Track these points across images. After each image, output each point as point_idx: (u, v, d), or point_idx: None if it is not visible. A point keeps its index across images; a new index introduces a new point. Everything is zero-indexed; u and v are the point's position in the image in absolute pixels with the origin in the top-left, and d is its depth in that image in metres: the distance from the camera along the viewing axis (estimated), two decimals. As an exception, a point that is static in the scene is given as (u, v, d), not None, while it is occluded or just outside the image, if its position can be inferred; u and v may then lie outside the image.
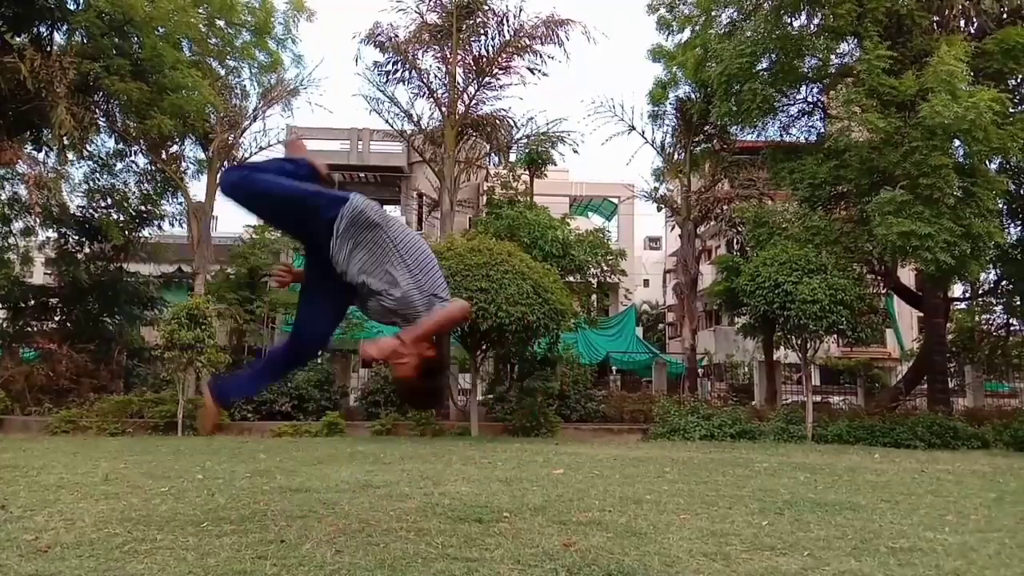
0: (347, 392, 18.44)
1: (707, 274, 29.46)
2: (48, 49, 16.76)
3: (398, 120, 20.00)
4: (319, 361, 21.72)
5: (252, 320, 19.91)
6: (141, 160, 20.25)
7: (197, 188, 21.25)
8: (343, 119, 56.57)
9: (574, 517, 4.49)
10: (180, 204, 20.63)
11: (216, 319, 15.08)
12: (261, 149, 19.91)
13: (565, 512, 4.71)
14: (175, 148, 19.59)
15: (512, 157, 22.08)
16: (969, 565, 3.37)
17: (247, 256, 20.66)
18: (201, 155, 19.95)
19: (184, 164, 20.06)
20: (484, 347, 15.29)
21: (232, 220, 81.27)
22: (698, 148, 21.54)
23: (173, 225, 21.46)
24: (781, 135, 18.56)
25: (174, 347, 14.11)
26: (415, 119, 19.86)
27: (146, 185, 20.50)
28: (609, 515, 4.63)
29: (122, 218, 19.85)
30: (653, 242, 47.94)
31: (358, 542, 3.68)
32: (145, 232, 20.89)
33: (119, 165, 20.26)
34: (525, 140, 21.15)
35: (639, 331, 31.33)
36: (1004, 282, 18.35)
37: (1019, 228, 17.38)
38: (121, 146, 19.84)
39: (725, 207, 22.78)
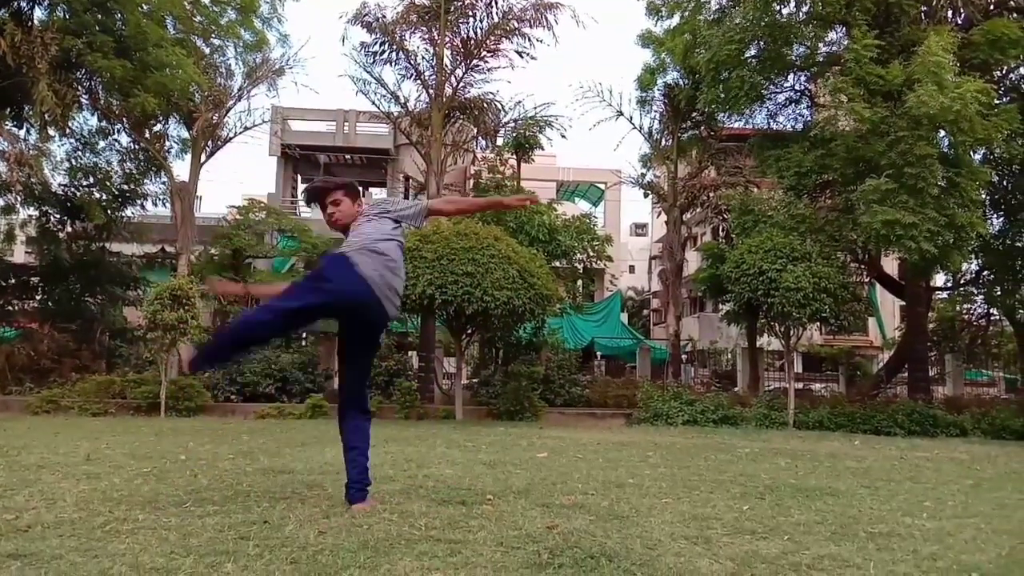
0: (331, 375, 18.40)
1: (692, 261, 29.57)
2: (29, 24, 16.51)
3: (385, 102, 19.85)
4: (304, 344, 21.70)
5: (236, 301, 19.81)
6: (124, 139, 20.09)
7: (181, 167, 21.09)
8: (329, 100, 56.27)
9: (557, 500, 4.51)
10: (163, 184, 20.46)
11: (200, 300, 14.98)
12: (245, 129, 19.75)
13: (548, 495, 4.73)
14: (159, 127, 19.40)
15: (499, 141, 22.00)
16: (946, 550, 3.42)
17: (231, 237, 20.57)
18: (185, 134, 19.76)
19: (168, 143, 19.88)
20: (469, 331, 15.30)
21: (216, 200, 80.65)
22: (685, 135, 21.54)
23: (156, 205, 21.34)
24: (768, 123, 18.61)
25: (157, 327, 14.02)
26: (402, 101, 19.72)
27: (129, 164, 20.31)
28: (592, 498, 4.65)
29: (105, 197, 19.66)
30: (639, 228, 48.06)
31: (341, 524, 3.68)
32: (128, 211, 20.72)
33: (102, 143, 20.09)
34: (513, 124, 21.07)
35: (624, 317, 31.46)
36: (985, 272, 18.53)
37: (1001, 219, 17.53)
38: (104, 124, 19.62)
39: (711, 194, 22.84)
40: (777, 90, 17.64)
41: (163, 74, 16.63)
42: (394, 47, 19.03)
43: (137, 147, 19.92)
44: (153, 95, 16.38)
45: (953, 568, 3.06)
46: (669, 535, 3.59)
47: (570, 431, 11.73)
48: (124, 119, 18.55)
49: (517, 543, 3.30)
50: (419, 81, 19.22)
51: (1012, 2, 15.73)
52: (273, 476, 5.45)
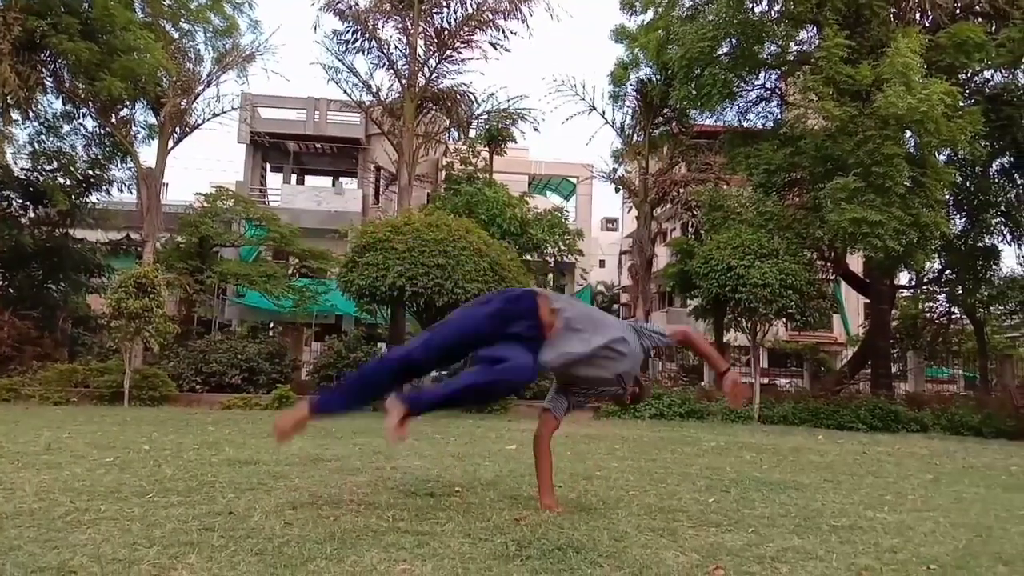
0: (299, 366, 18.26)
1: (662, 256, 29.75)
2: (-9, 3, 16.10)
3: (357, 91, 19.72)
4: (271, 334, 21.51)
5: (202, 290, 19.59)
6: (89, 123, 19.71)
7: (147, 153, 20.75)
8: (300, 88, 55.57)
9: (525, 492, 4.52)
10: (130, 169, 20.11)
11: (165, 288, 14.76)
12: (214, 115, 19.47)
13: (517, 487, 4.74)
14: (125, 112, 19.04)
15: (472, 133, 21.95)
16: (906, 542, 3.48)
17: (198, 225, 20.28)
18: (152, 120, 19.42)
19: (135, 128, 19.52)
20: (439, 323, 15.26)
21: (184, 188, 79.43)
22: (657, 131, 21.65)
23: (122, 191, 20.96)
24: (739, 120, 18.74)
25: (121, 316, 13.77)
26: (374, 90, 19.60)
27: (94, 149, 19.93)
28: (560, 491, 4.66)
29: (68, 182, 19.28)
30: (610, 223, 48.24)
31: (308, 515, 3.65)
32: (93, 197, 20.36)
33: (66, 127, 19.68)
34: (485, 116, 21.05)
35: (594, 311, 31.53)
36: (948, 271, 18.86)
37: (964, 219, 17.86)
38: (69, 108, 19.21)
39: (681, 190, 23.00)
40: (748, 88, 17.77)
41: (130, 58, 16.32)
42: (367, 36, 18.88)
43: (103, 132, 19.54)
44: (120, 79, 16.08)
45: (912, 560, 3.12)
46: (635, 527, 3.61)
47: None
48: (90, 103, 18.19)
49: (485, 535, 3.30)
50: (392, 71, 19.12)
51: (977, 7, 15.99)
52: (239, 467, 5.39)
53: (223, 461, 5.71)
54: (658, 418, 14.01)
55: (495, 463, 6.08)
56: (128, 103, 18.44)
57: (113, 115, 18.64)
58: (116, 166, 20.24)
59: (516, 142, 23.64)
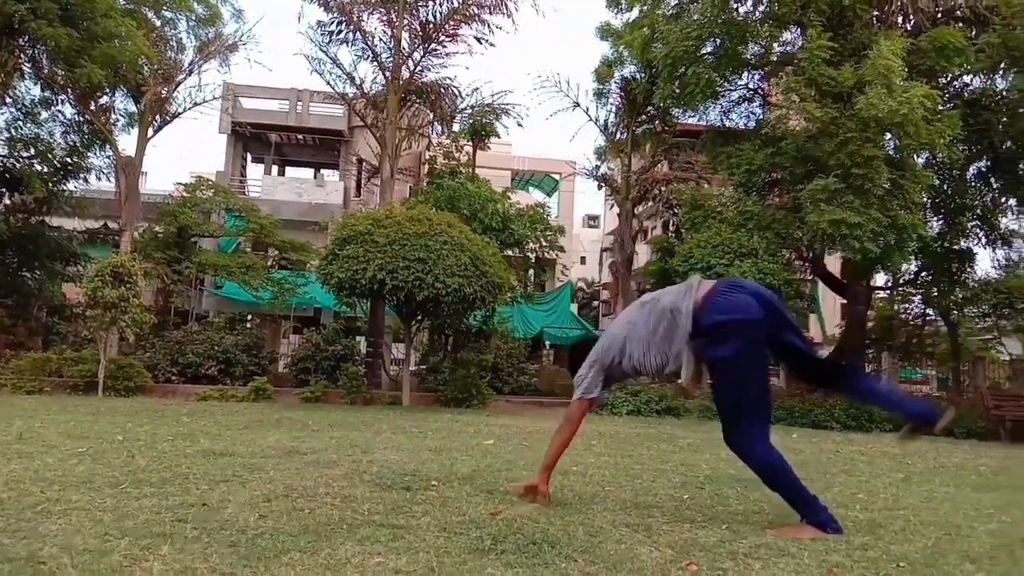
0: (276, 358, 18.14)
1: (642, 254, 29.86)
2: (-33, -14, 15.83)
3: (340, 82, 19.59)
4: (249, 326, 21.36)
5: (179, 280, 19.39)
6: (68, 110, 19.47)
7: (127, 142, 20.54)
8: (283, 79, 55.13)
9: (502, 487, 4.52)
10: (108, 157, 19.90)
11: (142, 278, 14.61)
12: (195, 104, 19.29)
13: (493, 482, 4.75)
14: (105, 99, 18.83)
15: (456, 127, 21.89)
16: (877, 540, 3.52)
17: (177, 214, 20.07)
18: (132, 108, 19.24)
19: (114, 116, 19.32)
20: (419, 317, 15.22)
21: (163, 177, 78.59)
22: (640, 128, 21.70)
23: (100, 179, 20.75)
24: (721, 120, 18.84)
25: (97, 305, 13.62)
26: (358, 82, 19.47)
27: (73, 136, 19.69)
28: (536, 486, 4.68)
29: (46, 169, 19.03)
30: (592, 220, 48.33)
31: (283, 507, 3.64)
32: (70, 185, 20.11)
33: (44, 114, 19.42)
34: (469, 111, 20.98)
35: (574, 307, 31.65)
36: (923, 273, 19.08)
37: (940, 222, 18.07)
38: (47, 94, 18.97)
39: (663, 188, 23.08)
40: (731, 88, 17.87)
41: (111, 45, 16.11)
42: (351, 27, 18.75)
43: (81, 119, 19.31)
44: (100, 66, 15.88)
45: (883, 558, 3.16)
46: (611, 522, 3.63)
47: (517, 419, 11.77)
48: (69, 90, 17.96)
49: (461, 529, 3.30)
50: (376, 63, 19.00)
51: (958, 12, 16.17)
52: (213, 459, 5.36)
53: (198, 452, 5.67)
54: (635, 415, 14.08)
55: (472, 458, 6.09)
56: (108, 90, 18.24)
57: (92, 102, 18.42)
58: (94, 154, 20.02)
59: (500, 137, 23.59)
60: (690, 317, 3.81)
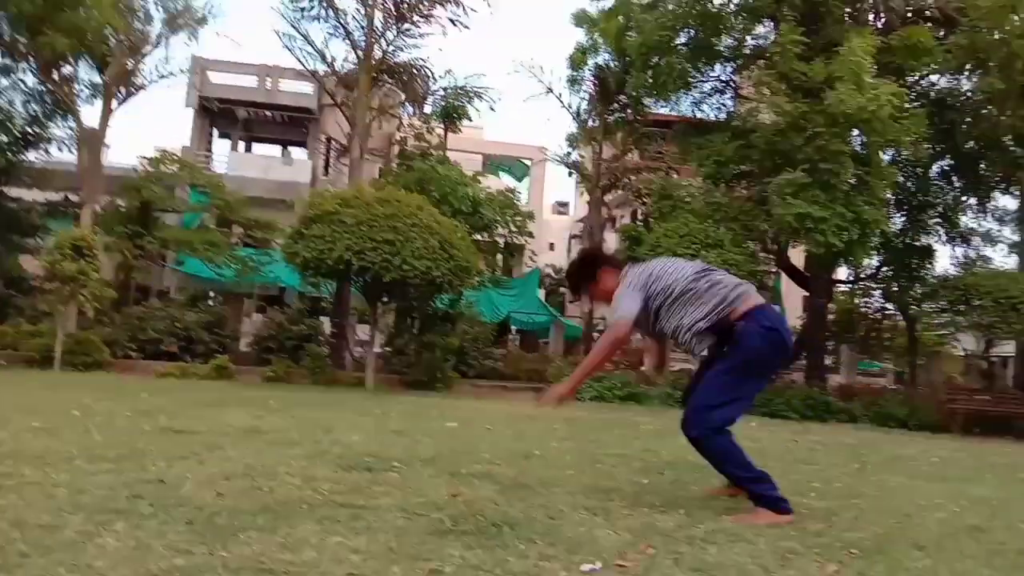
0: (239, 336, 17.95)
1: (611, 242, 29.94)
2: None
3: (311, 59, 19.31)
4: (211, 303, 21.08)
5: (142, 256, 19.05)
6: (30, 79, 18.99)
7: (90, 113, 20.08)
8: (253, 54, 54.23)
9: (464, 469, 4.53)
10: (71, 129, 19.48)
11: (103, 252, 14.35)
12: (162, 77, 18.91)
13: (455, 464, 4.75)
14: (68, 69, 18.39)
15: (427, 109, 21.72)
16: (830, 528, 3.59)
17: (140, 189, 19.67)
18: (97, 79, 18.79)
19: (77, 87, 18.89)
20: (386, 299, 15.15)
21: (127, 150, 77.10)
22: (612, 117, 21.71)
23: (62, 150, 20.31)
24: (692, 111, 18.95)
25: (56, 278, 13.36)
26: (329, 60, 19.21)
27: (34, 106, 19.26)
28: (499, 468, 4.69)
29: (5, 139, 18.61)
30: (562, 207, 48.33)
31: (241, 486, 3.60)
32: (31, 156, 19.66)
33: (4, 82, 18.93)
34: (442, 92, 20.83)
35: (541, 293, 31.69)
36: (885, 268, 19.40)
37: (903, 218, 18.39)
38: (8, 62, 18.44)
39: (633, 177, 23.15)
40: (704, 79, 17.96)
41: (76, 13, 15.74)
42: (324, 3, 18.47)
43: (44, 88, 18.85)
44: (64, 34, 15.49)
45: (836, 545, 3.21)
46: (571, 506, 3.65)
47: (482, 403, 11.80)
48: (31, 58, 17.51)
49: (421, 510, 3.29)
50: (348, 41, 18.77)
51: (928, 11, 16.39)
52: (172, 436, 5.29)
53: (156, 430, 5.60)
54: (598, 400, 14.18)
55: (435, 440, 6.08)
56: (72, 60, 17.81)
57: (55, 72, 17.99)
58: (56, 125, 19.66)
59: (471, 120, 23.46)
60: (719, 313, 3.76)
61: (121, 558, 2.38)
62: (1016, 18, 15.06)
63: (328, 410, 8.36)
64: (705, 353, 3.97)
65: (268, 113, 28.87)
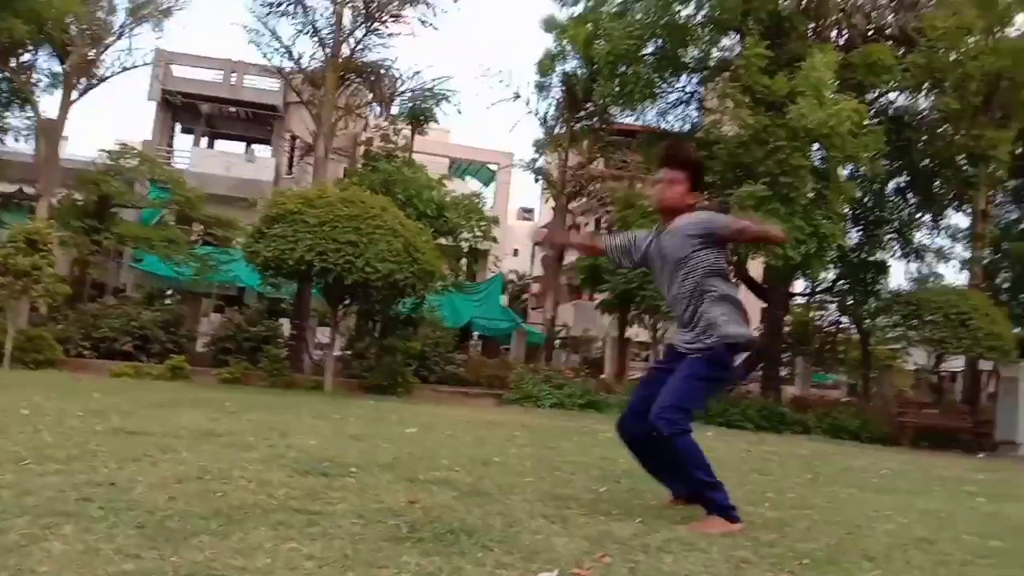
0: (195, 336, 17.66)
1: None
2: None
3: (278, 56, 19.11)
4: (168, 302, 20.71)
5: (98, 251, 18.65)
6: (-15, 66, 18.46)
7: (49, 103, 19.64)
8: (218, 48, 53.48)
9: (422, 475, 4.51)
10: (28, 119, 19.01)
11: (58, 247, 14.02)
12: (124, 69, 18.55)
13: (414, 470, 4.72)
14: (27, 57, 17.96)
15: (394, 110, 21.63)
16: (783, 538, 3.64)
17: (98, 182, 19.25)
18: (57, 68, 18.41)
19: (36, 76, 18.46)
20: (347, 302, 15.02)
21: (86, 142, 75.49)
22: (579, 124, 21.80)
23: (18, 140, 19.79)
24: (658, 121, 19.15)
25: (8, 273, 13.02)
26: (296, 57, 19.04)
27: (-10, 94, 18.75)
28: (457, 475, 4.68)
29: (-43, 127, 18.09)
30: (526, 213, 48.50)
31: (194, 489, 3.54)
32: (-16, 145, 19.15)
33: (-42, 68, 18.38)
34: (409, 94, 20.75)
35: (504, 299, 31.72)
36: (840, 282, 19.77)
37: (860, 233, 18.77)
38: (-39, 48, 17.96)
39: (598, 185, 23.31)
40: (669, 90, 18.18)
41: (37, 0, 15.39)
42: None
43: (1, 76, 18.36)
44: (23, 21, 15.14)
45: (788, 555, 3.26)
46: (529, 513, 3.65)
47: (442, 408, 11.76)
48: (-14, 44, 17.05)
49: (378, 516, 3.27)
50: (316, 38, 18.60)
51: (888, 30, 16.77)
52: (124, 437, 5.18)
53: (108, 430, 5.48)
54: (559, 407, 14.22)
55: (394, 445, 6.05)
56: (31, 48, 17.41)
57: (13, 59, 17.56)
58: (13, 114, 19.15)
59: (439, 123, 23.40)
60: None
61: (67, 562, 2.33)
62: (971, 40, 15.51)
63: (285, 413, 8.26)
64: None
65: (232, 109, 28.52)
